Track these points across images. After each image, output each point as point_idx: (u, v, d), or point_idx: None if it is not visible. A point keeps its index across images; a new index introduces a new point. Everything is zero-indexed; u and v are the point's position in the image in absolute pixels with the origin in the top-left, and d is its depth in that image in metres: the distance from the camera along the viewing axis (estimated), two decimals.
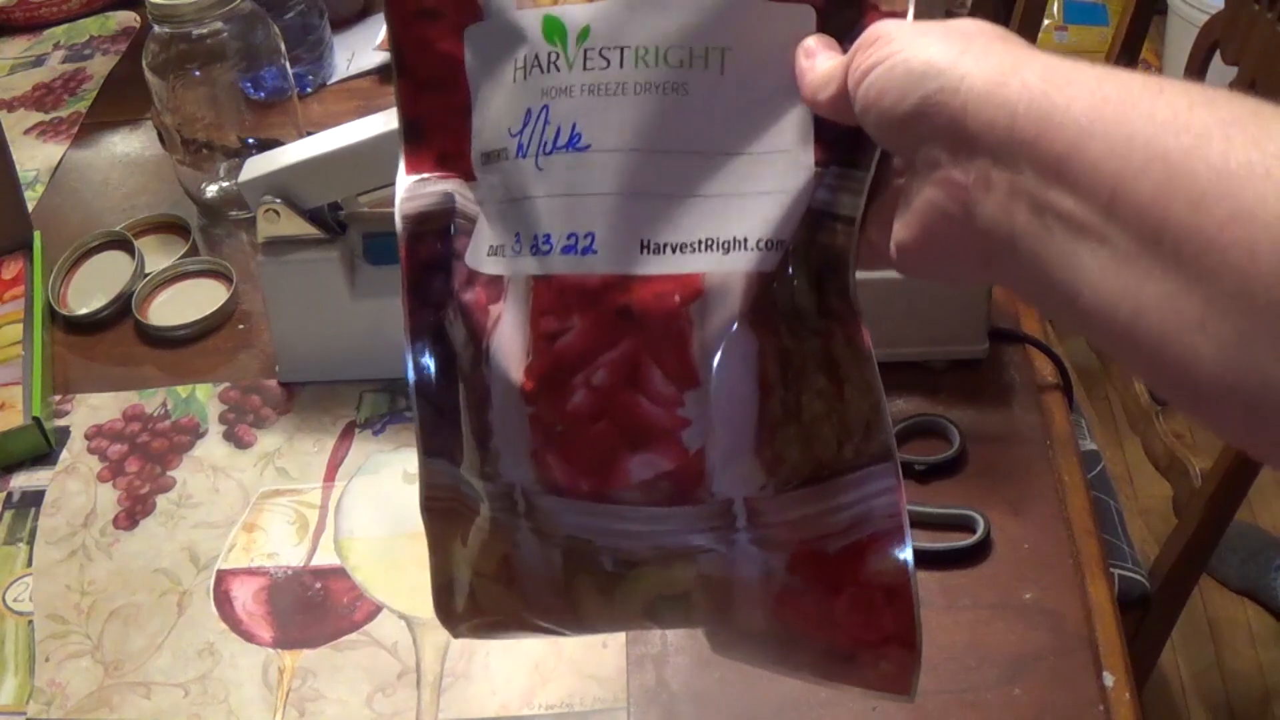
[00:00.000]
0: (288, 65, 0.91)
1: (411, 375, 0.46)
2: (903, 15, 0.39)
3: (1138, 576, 1.01)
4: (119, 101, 1.09)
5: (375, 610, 0.64)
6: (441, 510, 0.48)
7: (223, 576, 0.67)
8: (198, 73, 0.86)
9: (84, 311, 0.84)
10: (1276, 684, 1.46)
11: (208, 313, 0.82)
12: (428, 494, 0.48)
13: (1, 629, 0.65)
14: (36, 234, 0.89)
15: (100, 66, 1.14)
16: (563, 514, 0.43)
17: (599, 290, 0.40)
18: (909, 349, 0.74)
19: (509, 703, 0.59)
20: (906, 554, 0.41)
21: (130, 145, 1.03)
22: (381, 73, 1.08)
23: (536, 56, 0.42)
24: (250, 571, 0.67)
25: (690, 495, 0.41)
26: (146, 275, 0.85)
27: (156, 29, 0.85)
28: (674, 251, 0.40)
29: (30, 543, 0.69)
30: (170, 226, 0.91)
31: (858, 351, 0.41)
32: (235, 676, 0.62)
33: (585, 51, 0.41)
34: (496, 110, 0.43)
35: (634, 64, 0.41)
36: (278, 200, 0.70)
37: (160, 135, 0.94)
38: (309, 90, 1.06)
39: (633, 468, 0.41)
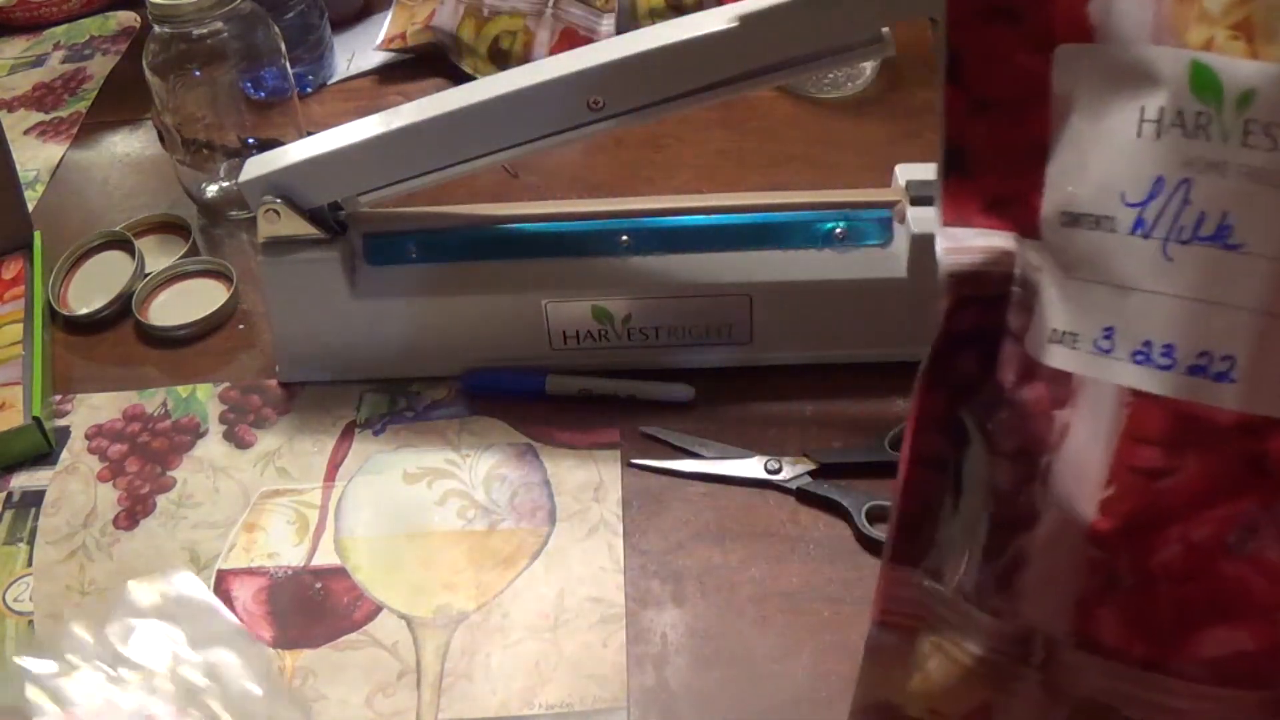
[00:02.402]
0: (288, 65, 0.91)
1: (905, 468, 0.37)
2: None
3: None
4: (119, 101, 1.09)
5: (375, 610, 0.64)
6: (897, 626, 0.40)
7: (223, 576, 0.67)
8: (198, 73, 0.86)
9: (84, 311, 0.84)
10: None
11: (208, 313, 0.82)
12: (885, 606, 0.40)
13: (1, 629, 0.65)
14: (36, 234, 0.89)
15: (100, 66, 1.14)
16: (1092, 674, 0.37)
17: (1230, 430, 0.33)
18: (909, 349, 0.73)
19: (509, 703, 0.60)
20: None
21: (130, 145, 1.03)
22: (381, 73, 1.08)
23: (1180, 112, 0.33)
24: (250, 571, 0.67)
25: (1263, 680, 0.35)
26: (146, 275, 0.86)
27: (156, 29, 0.85)
28: None
29: (30, 543, 0.69)
30: (170, 226, 0.91)
31: None
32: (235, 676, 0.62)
33: (1246, 123, 0.32)
34: (1101, 164, 0.34)
35: None
36: (278, 200, 0.70)
37: (160, 135, 0.94)
38: (309, 90, 1.06)
39: (1209, 641, 0.35)
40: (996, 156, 0.36)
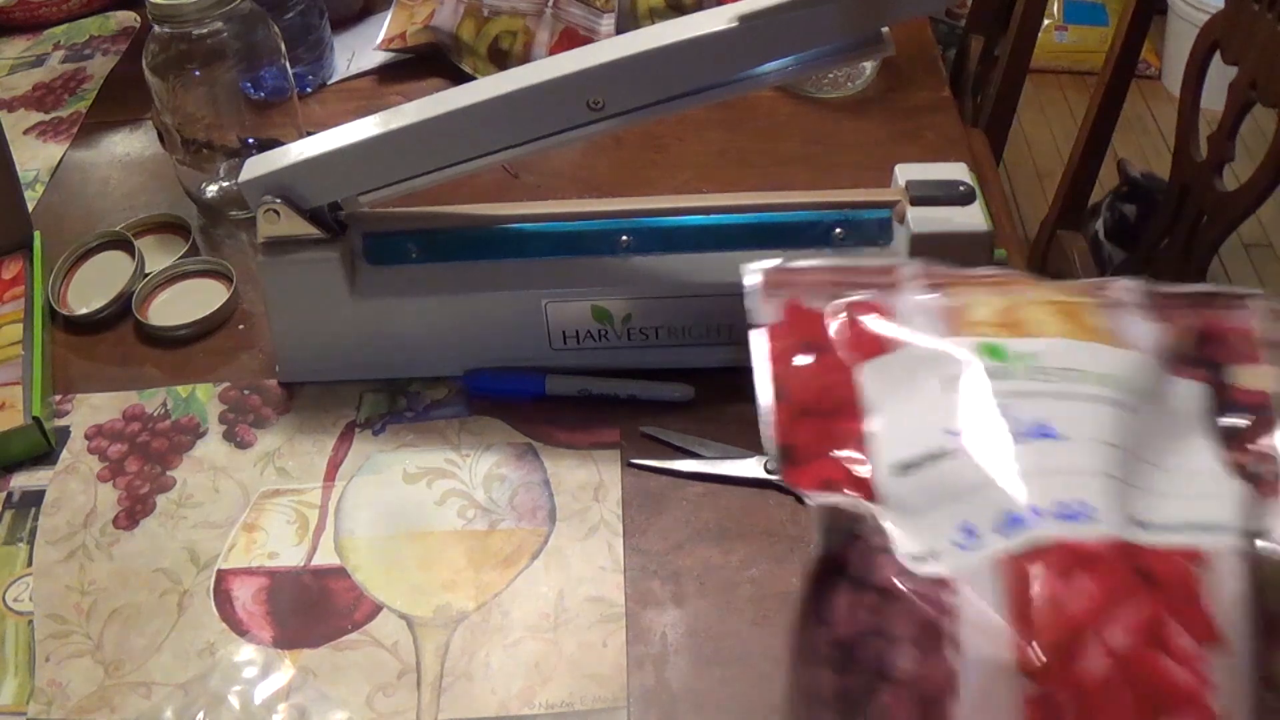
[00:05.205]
0: (288, 65, 0.91)
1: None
2: None
3: None
4: (119, 101, 1.09)
5: (375, 610, 0.64)
6: None
7: (223, 576, 0.67)
8: (198, 73, 0.86)
9: (84, 311, 0.84)
10: None
11: (208, 313, 0.82)
12: None
13: (1, 629, 0.65)
14: (36, 234, 0.89)
15: (100, 66, 1.14)
16: None
17: (1112, 553, 0.42)
18: None
19: (509, 702, 0.60)
20: None
21: (130, 145, 1.03)
22: (381, 73, 1.08)
23: (986, 369, 0.47)
24: (250, 571, 0.67)
25: None
26: (146, 275, 0.86)
27: (156, 29, 0.85)
28: (1162, 530, 0.43)
29: (30, 543, 0.69)
30: (170, 226, 0.91)
31: None
32: (235, 676, 0.62)
33: (1032, 369, 0.46)
34: (920, 420, 0.47)
35: (1085, 383, 0.46)
36: (278, 200, 0.70)
37: (160, 135, 0.94)
38: (309, 90, 1.06)
39: None
40: (817, 449, 0.48)
